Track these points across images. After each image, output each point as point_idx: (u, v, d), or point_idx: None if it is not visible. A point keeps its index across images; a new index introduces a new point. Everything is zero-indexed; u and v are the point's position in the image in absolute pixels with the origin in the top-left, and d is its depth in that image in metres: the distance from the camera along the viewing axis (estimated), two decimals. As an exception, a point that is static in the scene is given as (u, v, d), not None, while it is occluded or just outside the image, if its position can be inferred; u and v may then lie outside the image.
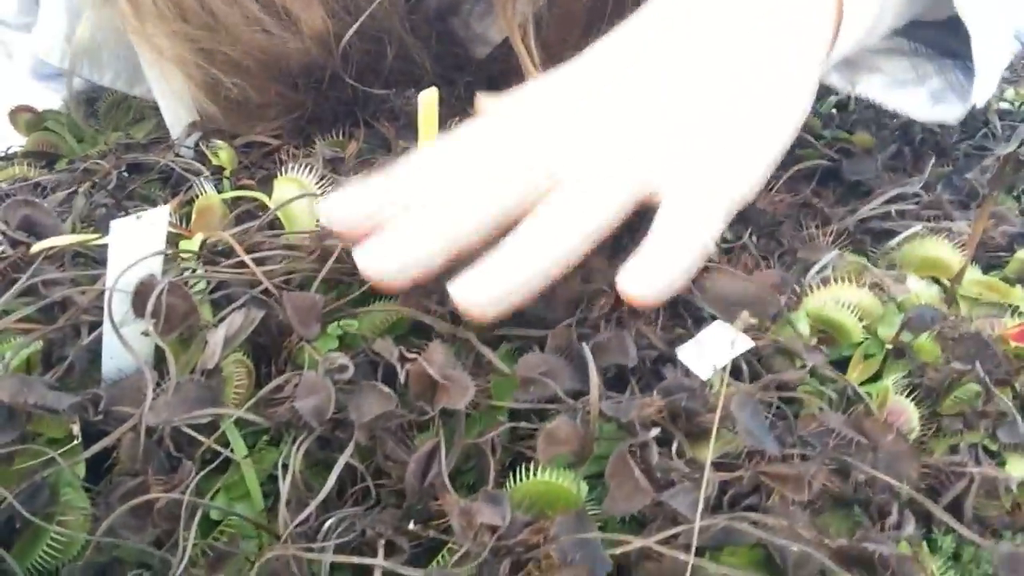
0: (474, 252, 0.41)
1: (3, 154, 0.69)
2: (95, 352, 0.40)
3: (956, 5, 0.46)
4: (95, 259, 0.46)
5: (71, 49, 0.63)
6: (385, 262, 0.40)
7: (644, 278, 0.39)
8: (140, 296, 0.38)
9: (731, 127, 0.41)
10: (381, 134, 0.62)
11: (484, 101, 0.45)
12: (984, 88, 0.49)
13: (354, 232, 0.41)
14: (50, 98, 0.83)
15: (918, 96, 0.55)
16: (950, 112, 0.54)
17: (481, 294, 0.39)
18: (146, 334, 0.38)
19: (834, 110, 0.76)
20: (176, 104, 0.63)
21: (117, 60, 0.65)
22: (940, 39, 0.54)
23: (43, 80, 0.82)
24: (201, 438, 0.36)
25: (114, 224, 0.37)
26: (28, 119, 0.74)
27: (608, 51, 0.44)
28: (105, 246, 0.46)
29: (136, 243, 0.38)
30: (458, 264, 0.40)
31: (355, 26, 0.56)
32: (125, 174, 0.57)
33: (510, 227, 0.41)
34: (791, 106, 0.43)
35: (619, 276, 0.40)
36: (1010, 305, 0.43)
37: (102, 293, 0.40)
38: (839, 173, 0.57)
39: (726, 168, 0.41)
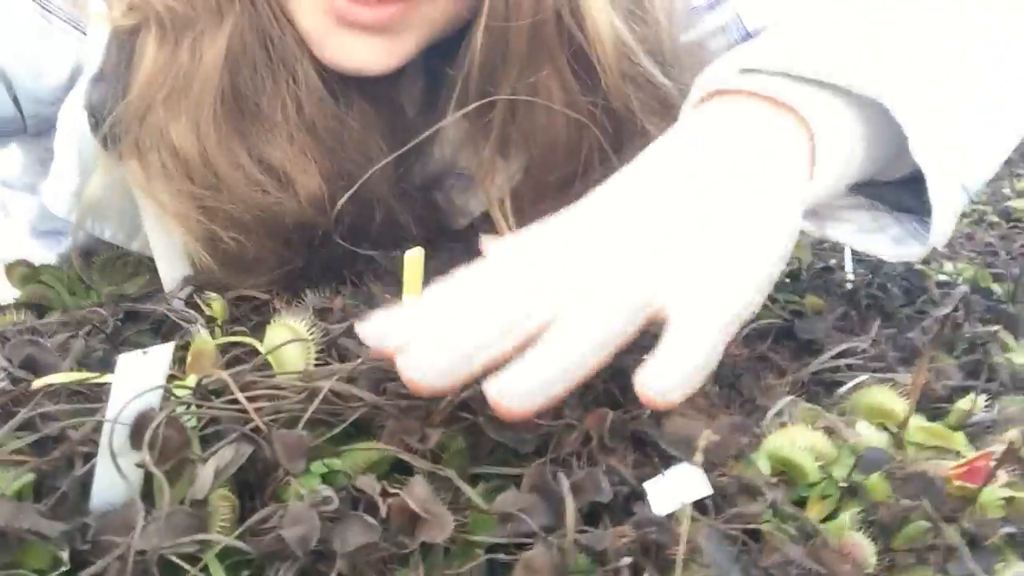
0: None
1: (-2, 305, 0.72)
2: (86, 484, 0.41)
3: (916, 158, 0.51)
4: (90, 397, 0.48)
5: (79, 204, 0.67)
6: (428, 369, 0.42)
7: (663, 378, 0.41)
8: (139, 427, 0.40)
9: (728, 253, 0.45)
10: (367, 290, 0.66)
11: (490, 242, 0.48)
12: (942, 231, 0.54)
13: (386, 349, 0.44)
14: (44, 255, 0.87)
15: (881, 241, 0.60)
16: (912, 252, 0.58)
17: (515, 392, 0.41)
18: (141, 465, 0.40)
19: (787, 279, 0.82)
20: (172, 258, 0.67)
21: (118, 216, 0.69)
22: (892, 196, 0.60)
23: (39, 238, 0.86)
24: (187, 566, 0.37)
25: (120, 358, 0.39)
26: (24, 272, 0.78)
27: (608, 193, 0.48)
28: (101, 385, 0.48)
29: (138, 377, 0.40)
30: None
31: (349, 192, 0.61)
32: (120, 322, 0.60)
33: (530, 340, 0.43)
34: (778, 237, 0.47)
35: (637, 378, 0.42)
36: (952, 450, 0.46)
37: (97, 426, 0.42)
38: (792, 332, 0.62)
39: (727, 288, 0.44)
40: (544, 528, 0.40)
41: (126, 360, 0.40)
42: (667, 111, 0.64)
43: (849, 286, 0.76)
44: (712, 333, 0.43)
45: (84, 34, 0.64)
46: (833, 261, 0.92)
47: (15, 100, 0.65)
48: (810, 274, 0.83)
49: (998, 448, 0.43)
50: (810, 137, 0.49)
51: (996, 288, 0.85)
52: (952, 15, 0.60)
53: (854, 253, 0.83)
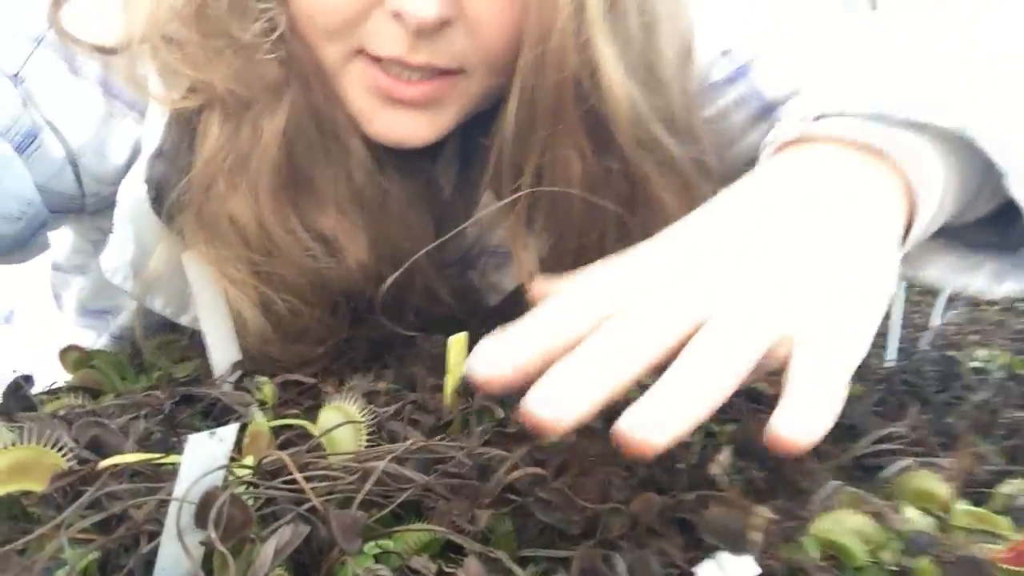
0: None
1: (48, 389, 0.74)
2: (149, 562, 0.43)
3: (1011, 191, 0.51)
4: (151, 477, 0.49)
5: (139, 276, 0.71)
6: (554, 408, 0.41)
7: (796, 423, 0.41)
8: (205, 505, 0.41)
9: (849, 294, 0.45)
10: (408, 374, 0.68)
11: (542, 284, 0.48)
12: None
13: (498, 381, 0.43)
14: (91, 339, 0.90)
15: (980, 278, 0.58)
16: (1018, 285, 0.57)
17: (651, 423, 0.40)
18: (205, 543, 0.41)
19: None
20: (223, 340, 0.69)
21: (170, 290, 0.73)
22: (972, 236, 0.59)
23: (88, 317, 0.89)
24: (249, 645, 0.38)
25: (191, 438, 0.41)
26: (76, 357, 0.80)
27: (714, 222, 0.48)
28: (161, 466, 0.50)
29: (205, 457, 0.42)
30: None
31: (399, 269, 0.63)
32: (175, 405, 0.62)
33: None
34: (889, 279, 0.47)
35: (770, 425, 0.41)
36: (998, 533, 0.46)
37: (160, 505, 0.43)
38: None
39: (853, 327, 0.44)
40: (596, 611, 0.41)
41: (196, 440, 0.41)
42: (682, 183, 0.67)
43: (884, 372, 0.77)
44: (843, 373, 0.43)
45: (142, 116, 0.68)
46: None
47: (78, 178, 0.69)
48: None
49: (1045, 532, 0.43)
50: (905, 180, 0.50)
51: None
52: (1006, 35, 0.59)
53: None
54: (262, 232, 0.65)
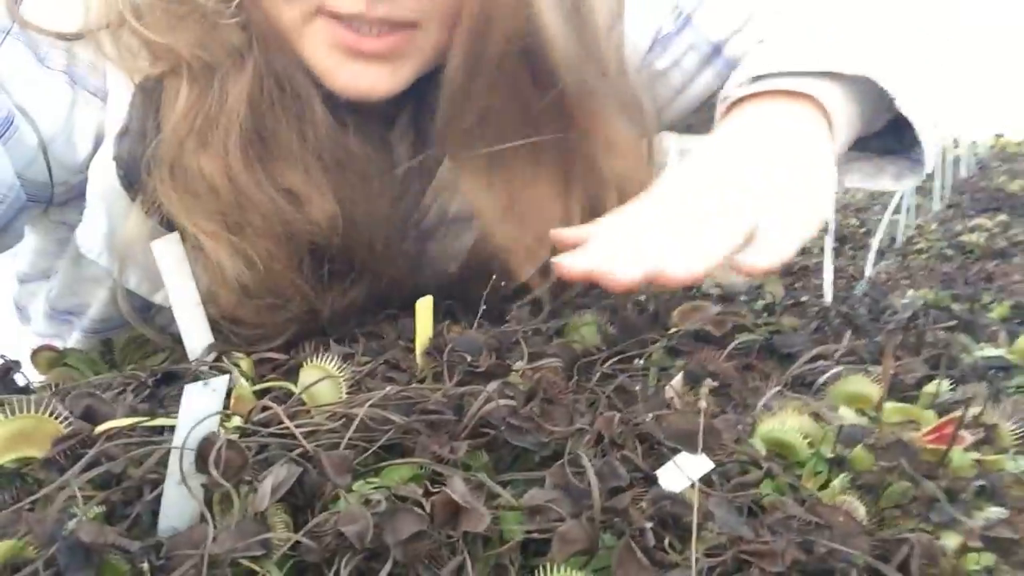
0: None
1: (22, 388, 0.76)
2: (154, 512, 0.46)
3: (902, 110, 0.70)
4: (143, 444, 0.52)
5: (114, 254, 0.74)
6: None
7: (757, 256, 0.58)
8: (204, 449, 0.45)
9: (803, 187, 0.63)
10: (378, 341, 0.71)
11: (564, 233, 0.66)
12: (931, 155, 0.74)
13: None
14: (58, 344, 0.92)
15: (885, 179, 0.78)
16: (913, 180, 0.78)
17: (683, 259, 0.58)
18: (206, 485, 0.45)
19: (764, 311, 0.88)
20: (195, 325, 0.72)
21: (143, 267, 0.75)
22: (878, 144, 0.79)
23: (55, 319, 0.91)
24: (255, 567, 0.42)
25: (187, 387, 0.44)
26: (48, 357, 0.82)
27: (704, 165, 0.67)
28: (152, 430, 0.53)
29: (200, 406, 0.45)
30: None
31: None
32: (156, 383, 0.65)
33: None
34: (830, 176, 0.66)
35: (738, 257, 0.58)
36: (924, 424, 0.52)
37: (160, 459, 0.46)
38: (773, 347, 0.68)
39: (801, 208, 0.62)
40: (570, 515, 0.45)
41: (191, 390, 0.45)
42: (616, 111, 0.78)
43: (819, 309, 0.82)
44: (797, 232, 0.60)
45: (105, 103, 0.71)
46: (805, 298, 0.99)
47: (48, 167, 0.71)
48: (783, 306, 0.90)
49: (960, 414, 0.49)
50: (825, 113, 0.68)
51: (955, 307, 0.92)
52: (892, 30, 0.79)
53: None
54: (232, 187, 0.69)
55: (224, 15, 0.68)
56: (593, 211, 0.76)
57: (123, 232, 0.72)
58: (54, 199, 0.74)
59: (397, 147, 0.81)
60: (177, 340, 0.75)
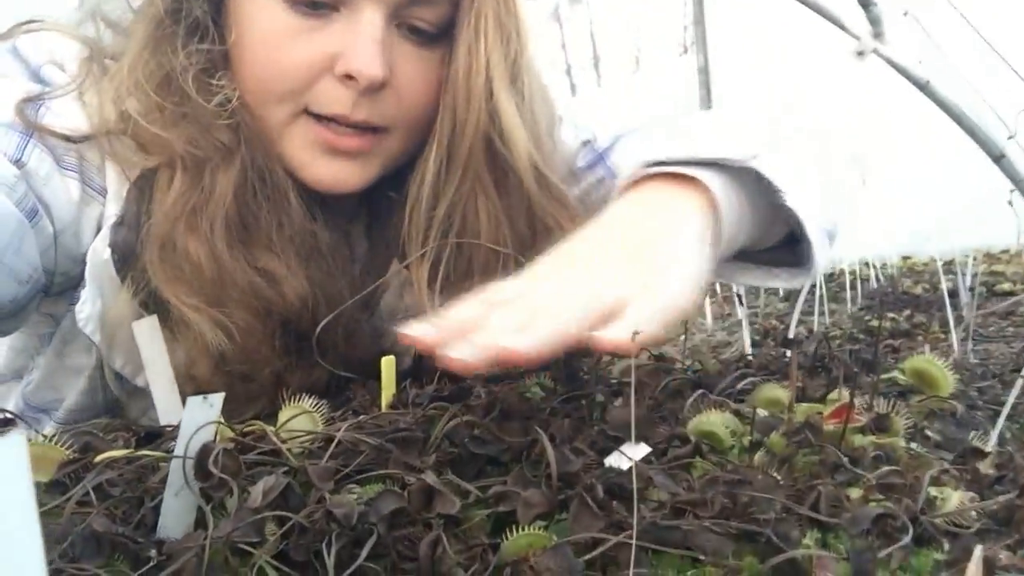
0: None
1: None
2: (153, 523, 0.51)
3: (789, 203, 0.74)
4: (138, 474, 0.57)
5: (103, 333, 0.79)
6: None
7: (620, 330, 0.57)
8: (203, 454, 0.50)
9: (663, 265, 0.65)
10: (348, 395, 0.78)
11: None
12: (821, 258, 0.79)
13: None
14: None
15: (778, 280, 0.84)
16: (804, 279, 0.83)
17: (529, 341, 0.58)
18: (205, 485, 0.50)
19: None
20: (167, 393, 0.77)
21: (128, 349, 0.80)
22: (768, 258, 0.84)
23: (29, 413, 0.94)
24: (252, 550, 0.47)
25: (189, 400, 0.50)
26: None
27: (579, 243, 0.68)
28: (143, 465, 0.58)
29: (199, 417, 0.51)
30: None
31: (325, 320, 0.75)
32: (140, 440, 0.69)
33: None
34: (695, 259, 0.68)
35: (598, 332, 0.57)
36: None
37: (160, 477, 0.52)
38: (699, 384, 0.76)
39: (664, 289, 0.64)
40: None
41: (192, 402, 0.51)
42: (568, 215, 0.87)
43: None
44: (659, 314, 0.61)
45: (104, 198, 0.80)
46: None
47: (55, 257, 0.78)
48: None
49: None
50: (710, 196, 0.70)
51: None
52: (775, 133, 0.87)
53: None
54: (216, 265, 0.77)
55: (220, 117, 0.78)
56: None
57: (112, 313, 0.78)
58: (51, 288, 0.80)
59: (356, 241, 0.90)
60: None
